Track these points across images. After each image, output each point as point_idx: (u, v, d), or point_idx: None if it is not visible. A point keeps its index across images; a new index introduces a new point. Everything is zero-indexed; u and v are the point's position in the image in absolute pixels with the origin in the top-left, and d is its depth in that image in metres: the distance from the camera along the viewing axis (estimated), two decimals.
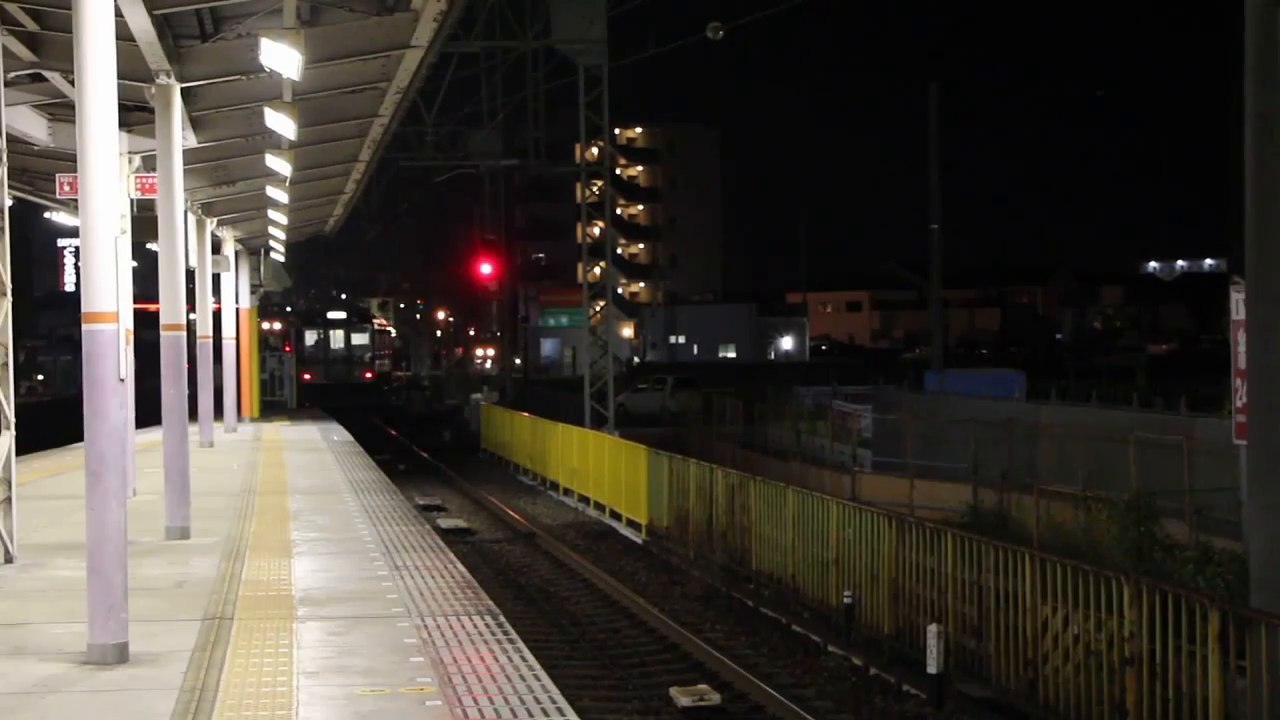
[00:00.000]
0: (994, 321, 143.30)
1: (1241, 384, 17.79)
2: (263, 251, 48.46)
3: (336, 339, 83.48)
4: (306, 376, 77.02)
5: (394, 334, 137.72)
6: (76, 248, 12.29)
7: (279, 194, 30.51)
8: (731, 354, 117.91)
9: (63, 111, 20.45)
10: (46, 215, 32.43)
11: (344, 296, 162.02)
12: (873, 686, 17.43)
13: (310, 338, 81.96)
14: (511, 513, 35.47)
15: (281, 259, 51.24)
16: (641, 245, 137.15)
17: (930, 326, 63.55)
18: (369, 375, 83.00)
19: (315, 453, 33.55)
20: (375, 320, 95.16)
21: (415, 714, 9.47)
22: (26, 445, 37.23)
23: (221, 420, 38.84)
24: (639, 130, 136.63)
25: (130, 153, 20.88)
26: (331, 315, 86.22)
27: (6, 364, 14.89)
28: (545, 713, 9.57)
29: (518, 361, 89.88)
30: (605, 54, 48.38)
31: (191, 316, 29.55)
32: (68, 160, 21.27)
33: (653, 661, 19.25)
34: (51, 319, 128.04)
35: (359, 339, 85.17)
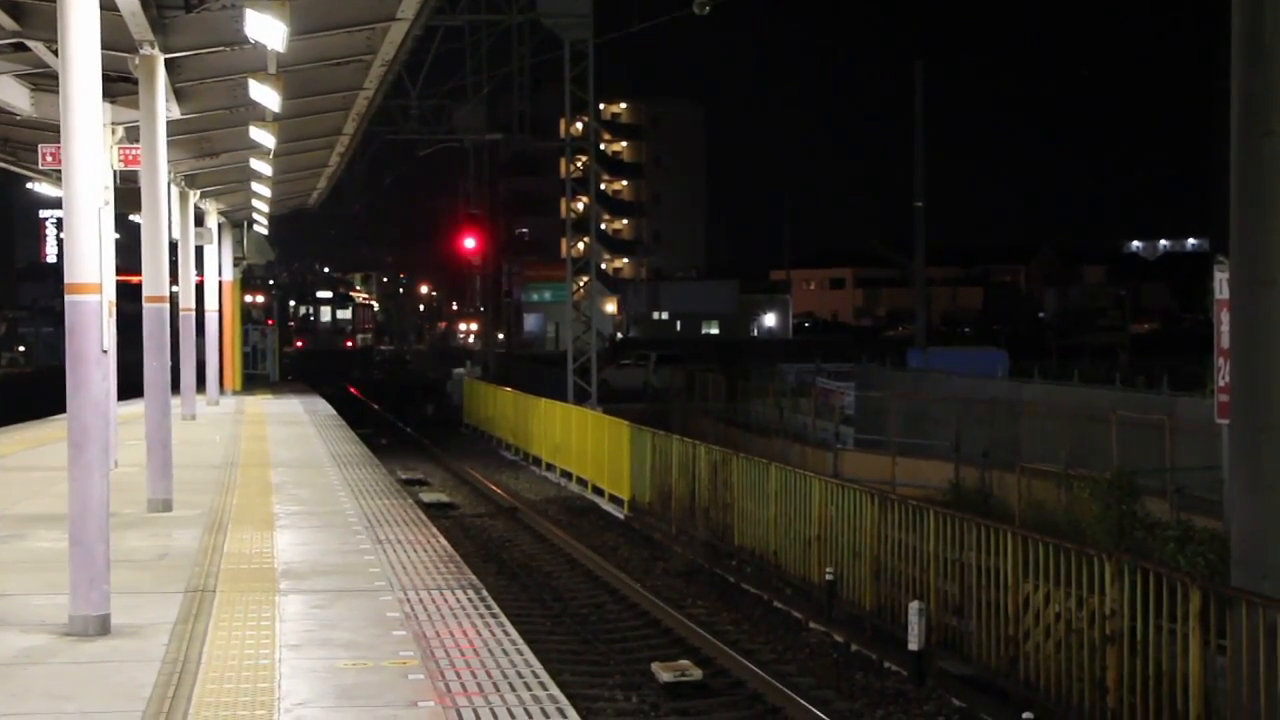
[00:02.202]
0: (977, 300, 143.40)
1: (1224, 363, 17.84)
2: (246, 224, 48.34)
3: (325, 313, 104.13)
4: (299, 343, 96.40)
5: (376, 308, 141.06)
6: (59, 219, 12.27)
7: (262, 166, 30.42)
8: (714, 330, 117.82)
9: (46, 82, 20.36)
10: (29, 186, 32.28)
11: (326, 270, 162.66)
12: (854, 663, 17.46)
13: (302, 311, 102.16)
14: (494, 487, 35.46)
15: (265, 232, 51.12)
16: (625, 221, 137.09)
17: (914, 304, 63.62)
18: (349, 344, 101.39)
19: (297, 426, 33.52)
20: (358, 297, 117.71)
21: (398, 687, 9.47)
22: (8, 416, 37.24)
23: (204, 393, 38.78)
24: (623, 106, 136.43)
25: (113, 124, 20.79)
26: (320, 294, 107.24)
27: None
28: (527, 686, 9.58)
29: (501, 336, 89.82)
30: (590, 29, 48.26)
31: (174, 289, 29.49)
32: (51, 131, 21.19)
33: (634, 637, 19.26)
34: (33, 290, 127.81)
35: (343, 313, 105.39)
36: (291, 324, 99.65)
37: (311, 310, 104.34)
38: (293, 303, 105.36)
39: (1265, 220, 14.00)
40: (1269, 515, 13.92)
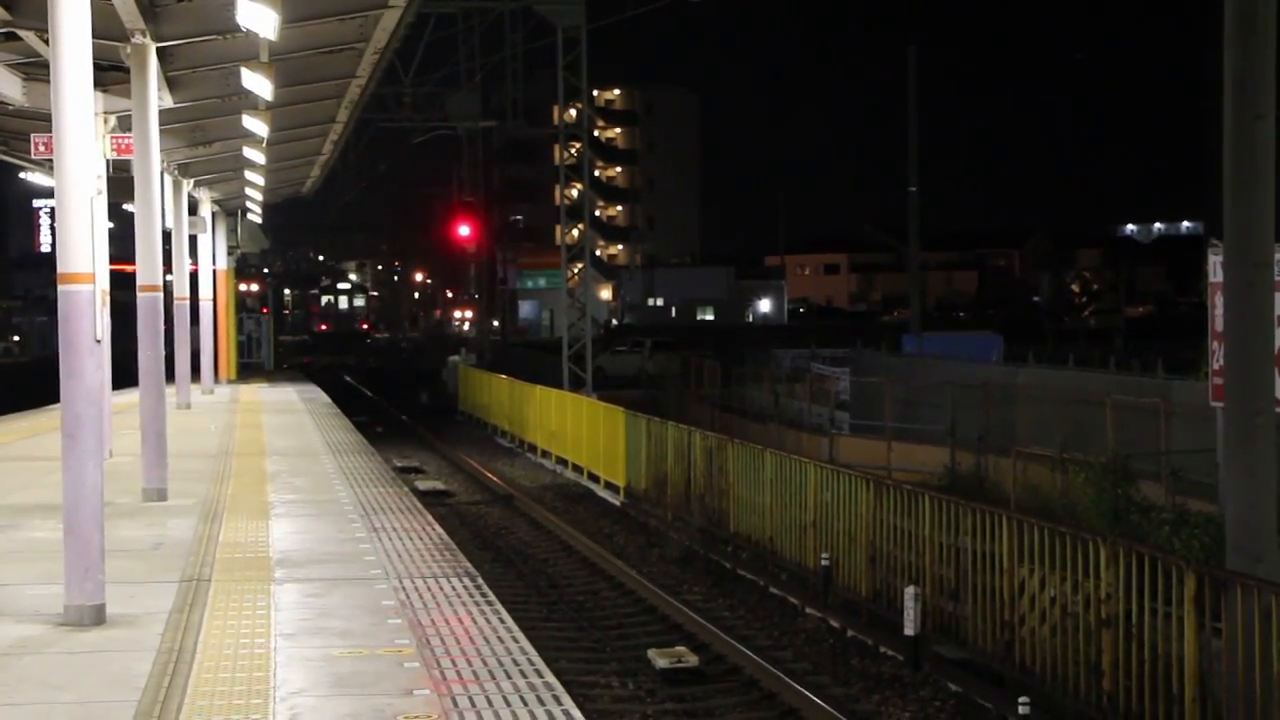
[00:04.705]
0: (971, 284, 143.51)
1: (1219, 346, 17.86)
2: (240, 213, 48.26)
3: (343, 301, 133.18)
4: (323, 326, 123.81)
5: (376, 295, 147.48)
6: (52, 208, 12.24)
7: (256, 155, 30.35)
8: (709, 316, 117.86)
9: (37, 71, 20.30)
10: (22, 175, 32.25)
11: (321, 258, 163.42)
12: (850, 648, 17.48)
13: (325, 300, 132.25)
14: (489, 475, 35.46)
15: (259, 220, 51.05)
16: (619, 207, 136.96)
17: (908, 289, 63.61)
18: (365, 326, 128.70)
19: (292, 414, 33.49)
20: (368, 288, 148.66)
21: (393, 675, 9.47)
22: (2, 406, 37.19)
23: (198, 382, 38.74)
24: (617, 92, 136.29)
25: (106, 113, 20.73)
26: (340, 285, 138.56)
27: None
28: (523, 674, 9.58)
29: (496, 324, 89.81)
30: (583, 15, 48.20)
31: (168, 278, 29.48)
32: (43, 120, 21.14)
33: (631, 623, 19.28)
34: (27, 279, 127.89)
35: (359, 302, 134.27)
36: (286, 311, 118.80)
37: (333, 299, 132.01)
38: (301, 292, 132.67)
39: (1256, 203, 14.03)
40: (1263, 498, 13.95)
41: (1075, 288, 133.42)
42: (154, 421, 18.27)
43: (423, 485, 32.27)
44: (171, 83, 21.64)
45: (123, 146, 21.03)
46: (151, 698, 9.02)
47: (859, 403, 37.11)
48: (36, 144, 21.64)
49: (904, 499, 17.68)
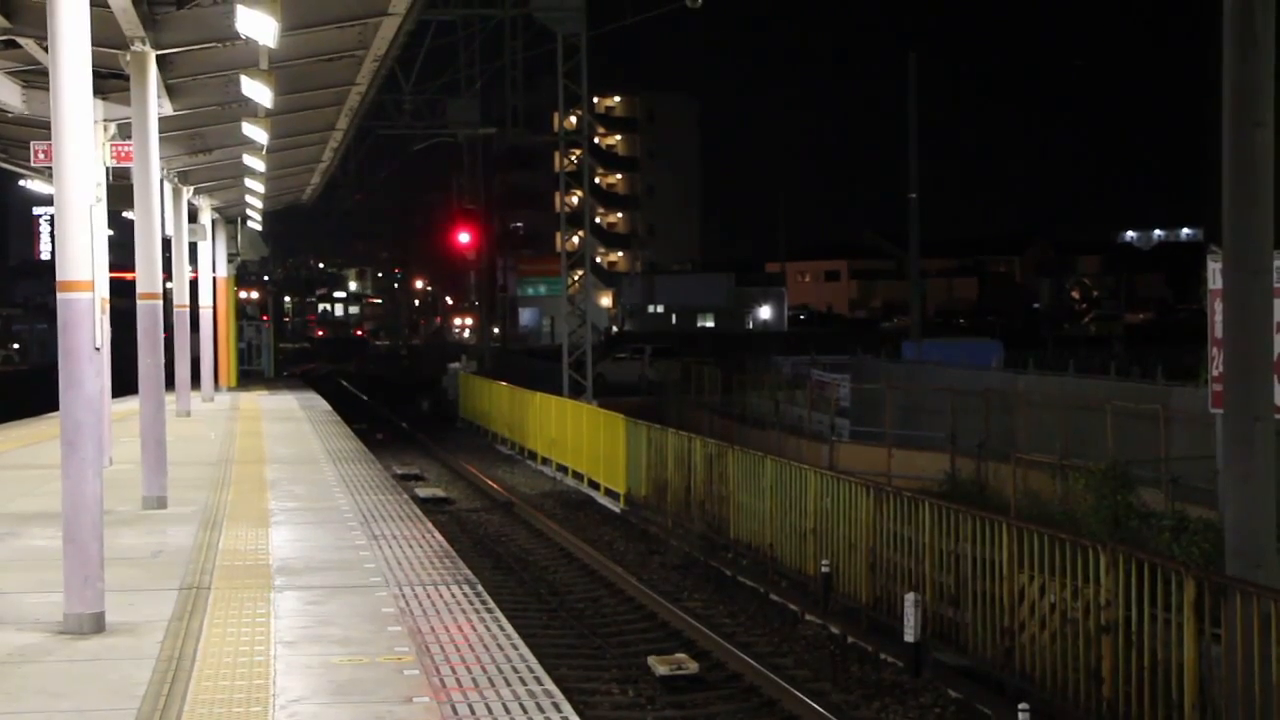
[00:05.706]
0: (971, 291, 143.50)
1: (1218, 353, 17.86)
2: (239, 220, 48.29)
3: (340, 309, 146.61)
4: (320, 332, 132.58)
5: (378, 302, 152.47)
6: (52, 216, 12.24)
7: (256, 162, 30.37)
8: (710, 323, 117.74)
9: (37, 78, 20.32)
10: (21, 183, 32.27)
11: (321, 265, 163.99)
12: (850, 655, 17.48)
13: (321, 308, 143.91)
14: (489, 482, 35.45)
15: (258, 228, 51.07)
16: (620, 214, 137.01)
17: (909, 296, 63.63)
18: (359, 332, 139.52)
19: (293, 422, 33.49)
20: (365, 296, 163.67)
21: (393, 683, 9.47)
22: (3, 414, 37.20)
23: (198, 389, 38.75)
24: (617, 99, 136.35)
25: (105, 120, 20.77)
26: (337, 294, 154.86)
27: None
28: (523, 681, 9.58)
29: (496, 331, 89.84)
30: (583, 22, 48.22)
31: (168, 285, 29.49)
32: (42, 128, 21.16)
33: (631, 630, 19.27)
34: (27, 287, 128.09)
35: (354, 309, 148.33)
36: (286, 319, 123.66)
37: (330, 306, 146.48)
38: (301, 299, 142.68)
39: (1255, 210, 14.04)
40: (1262, 504, 13.95)
41: (1075, 294, 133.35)
42: (154, 429, 18.28)
43: (423, 492, 32.26)
44: (171, 90, 21.66)
45: (122, 154, 21.07)
46: (151, 706, 9.02)
47: (859, 409, 37.10)
48: (36, 152, 21.68)
49: (904, 506, 17.68)
